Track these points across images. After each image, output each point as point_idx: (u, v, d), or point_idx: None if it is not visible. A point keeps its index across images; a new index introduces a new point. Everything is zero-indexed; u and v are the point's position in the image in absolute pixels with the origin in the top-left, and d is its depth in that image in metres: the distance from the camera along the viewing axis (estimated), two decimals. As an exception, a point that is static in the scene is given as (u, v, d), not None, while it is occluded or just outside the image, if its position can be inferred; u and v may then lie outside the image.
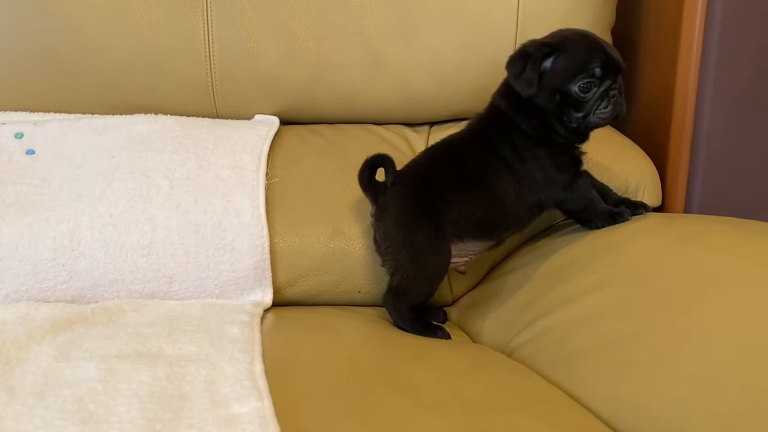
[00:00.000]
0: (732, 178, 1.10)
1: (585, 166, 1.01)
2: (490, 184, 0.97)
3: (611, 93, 0.93)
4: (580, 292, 0.90)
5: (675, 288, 0.81)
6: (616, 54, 0.95)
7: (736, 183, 1.10)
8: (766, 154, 1.10)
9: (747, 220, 0.92)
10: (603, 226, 1.00)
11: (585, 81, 0.92)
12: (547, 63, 0.94)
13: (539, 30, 1.14)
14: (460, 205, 0.97)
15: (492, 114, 1.01)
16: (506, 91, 0.99)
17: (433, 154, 1.04)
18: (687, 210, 1.13)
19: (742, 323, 0.72)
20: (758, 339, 0.69)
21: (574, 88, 0.93)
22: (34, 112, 1.17)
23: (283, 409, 0.65)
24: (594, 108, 0.94)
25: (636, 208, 1.02)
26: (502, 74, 1.16)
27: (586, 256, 0.96)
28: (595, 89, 0.93)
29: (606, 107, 0.93)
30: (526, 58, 0.94)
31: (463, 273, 1.09)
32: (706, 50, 1.07)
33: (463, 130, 1.04)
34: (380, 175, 1.01)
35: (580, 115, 0.94)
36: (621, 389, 0.75)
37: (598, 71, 0.92)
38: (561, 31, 0.98)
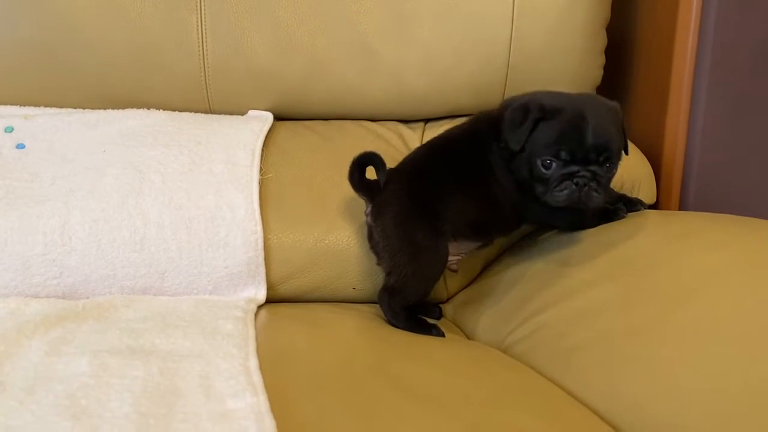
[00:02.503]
0: (727, 176, 1.11)
1: None
2: (485, 186, 0.97)
3: (576, 180, 0.88)
4: (576, 289, 0.89)
5: (671, 284, 0.81)
6: (598, 141, 0.88)
7: (731, 181, 1.11)
8: (760, 152, 1.10)
9: (742, 217, 0.92)
10: (596, 225, 0.99)
11: (548, 158, 0.89)
12: (538, 127, 0.90)
13: (534, 28, 1.15)
14: (456, 205, 0.96)
15: (496, 123, 0.98)
16: (500, 125, 0.95)
17: (431, 150, 1.03)
18: (682, 208, 1.14)
19: (739, 319, 0.72)
20: (755, 334, 0.69)
21: (539, 161, 0.90)
22: (24, 106, 1.16)
23: (278, 405, 0.65)
24: (552, 187, 0.90)
25: (633, 204, 1.02)
26: (498, 71, 1.17)
27: (582, 253, 0.96)
28: (557, 169, 0.89)
29: (561, 191, 0.89)
30: (525, 114, 0.90)
31: (455, 271, 1.09)
32: (702, 48, 1.07)
33: (463, 125, 1.04)
34: (371, 173, 1.00)
35: (541, 189, 0.91)
36: (618, 385, 0.75)
37: (563, 154, 0.88)
38: (572, 96, 0.94)
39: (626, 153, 0.94)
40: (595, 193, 0.89)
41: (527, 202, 0.95)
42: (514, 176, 0.95)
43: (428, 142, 1.06)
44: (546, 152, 0.89)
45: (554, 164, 0.89)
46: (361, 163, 0.99)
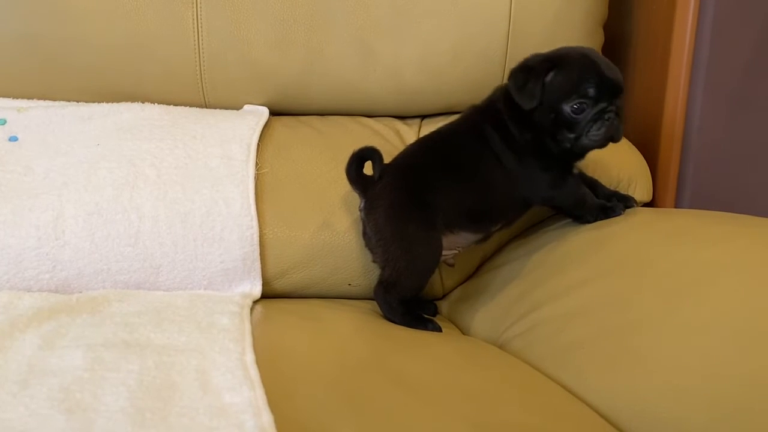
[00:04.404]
0: (722, 174, 1.11)
1: (576, 169, 1.00)
2: (481, 174, 0.97)
3: (606, 116, 0.91)
4: (573, 285, 0.89)
5: (668, 280, 0.81)
6: (615, 75, 0.92)
7: (727, 179, 1.11)
8: (756, 150, 1.10)
9: (737, 215, 0.93)
10: (595, 221, 1.00)
11: (578, 101, 0.90)
12: (548, 78, 0.92)
13: (532, 24, 1.15)
14: (451, 195, 0.96)
15: (489, 109, 1.00)
16: (507, 97, 0.96)
17: (424, 145, 1.03)
18: (678, 206, 1.14)
19: (735, 314, 0.72)
20: (751, 329, 0.69)
21: (567, 108, 0.91)
22: (17, 98, 1.14)
23: (275, 399, 0.64)
24: (586, 130, 0.91)
25: (626, 200, 1.02)
26: (495, 68, 1.16)
27: (579, 250, 0.96)
28: (588, 110, 0.90)
29: (599, 129, 0.91)
30: (528, 71, 0.93)
31: (451, 266, 1.08)
32: (698, 46, 1.08)
33: (457, 120, 1.04)
34: (368, 168, 0.99)
35: (572, 135, 0.92)
36: (615, 381, 0.75)
37: (591, 92, 0.90)
38: (564, 48, 0.96)
39: None
40: (620, 126, 0.93)
41: (534, 176, 0.96)
42: (521, 148, 0.95)
43: (421, 138, 1.06)
44: (573, 96, 0.91)
45: (585, 106, 0.90)
46: (360, 157, 0.99)
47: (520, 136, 0.95)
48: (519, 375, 0.81)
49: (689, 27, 1.07)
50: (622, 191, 1.09)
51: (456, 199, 0.96)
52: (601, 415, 0.73)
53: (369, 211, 0.98)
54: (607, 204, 1.00)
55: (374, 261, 1.01)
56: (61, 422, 0.59)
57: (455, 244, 1.02)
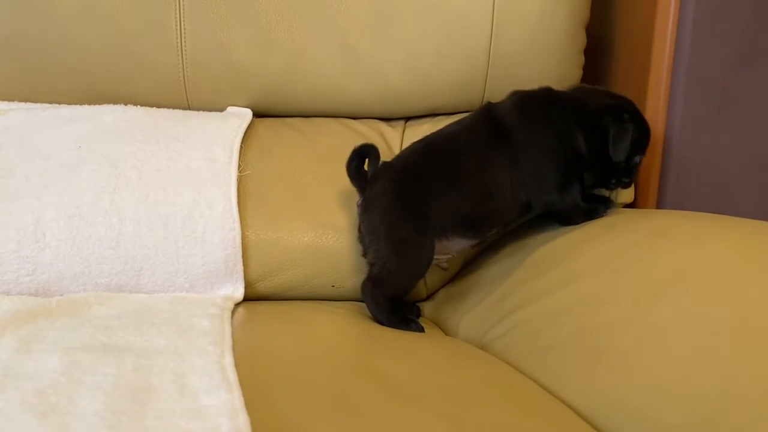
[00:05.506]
0: (704, 175, 1.11)
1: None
2: (486, 176, 0.97)
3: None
4: (553, 286, 0.89)
5: (648, 280, 0.81)
6: None
7: (708, 180, 1.11)
8: (737, 152, 1.11)
9: (718, 215, 0.93)
10: (581, 222, 1.00)
11: (641, 155, 1.01)
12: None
13: (515, 27, 1.15)
14: (448, 201, 0.96)
15: (529, 103, 1.01)
16: (579, 112, 1.00)
17: (426, 147, 1.02)
18: (659, 207, 1.14)
19: (714, 314, 0.72)
20: (731, 328, 0.69)
21: (637, 159, 1.01)
22: (-2, 100, 1.14)
23: (254, 401, 0.63)
24: (633, 176, 1.02)
25: (606, 202, 1.03)
26: (478, 71, 1.17)
27: (560, 251, 0.96)
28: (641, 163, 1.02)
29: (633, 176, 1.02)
30: (625, 127, 0.97)
31: (445, 269, 1.09)
32: (679, 47, 1.08)
33: (465, 119, 1.03)
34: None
35: (627, 180, 1.02)
36: (595, 380, 0.75)
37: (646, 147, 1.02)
38: (620, 96, 1.03)
39: None
40: None
41: (547, 179, 0.98)
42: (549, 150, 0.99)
43: (425, 138, 1.04)
44: (641, 152, 1.02)
45: (641, 159, 1.03)
46: (359, 153, 0.99)
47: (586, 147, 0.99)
48: (500, 376, 0.81)
49: (670, 28, 1.08)
50: (604, 193, 1.09)
51: (453, 206, 0.96)
52: (580, 415, 0.73)
53: (364, 210, 0.99)
54: (590, 206, 1.02)
55: (364, 257, 1.01)
56: (35, 426, 0.58)
57: (450, 249, 1.02)
